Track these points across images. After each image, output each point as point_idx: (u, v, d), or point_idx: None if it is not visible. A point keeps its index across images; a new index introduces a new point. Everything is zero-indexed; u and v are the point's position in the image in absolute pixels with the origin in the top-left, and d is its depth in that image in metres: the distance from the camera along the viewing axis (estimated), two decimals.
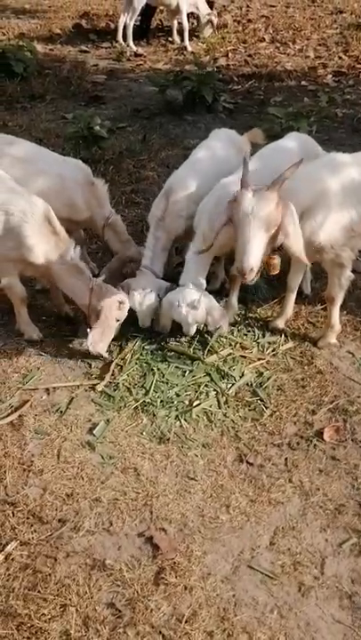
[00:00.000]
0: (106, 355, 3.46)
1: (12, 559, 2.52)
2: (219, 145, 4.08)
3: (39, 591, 2.40)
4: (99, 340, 3.40)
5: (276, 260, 3.50)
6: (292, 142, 3.93)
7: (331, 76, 8.55)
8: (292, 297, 3.78)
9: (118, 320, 3.48)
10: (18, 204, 3.34)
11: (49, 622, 2.31)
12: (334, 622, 2.36)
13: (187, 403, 3.28)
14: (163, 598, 2.40)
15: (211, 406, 3.27)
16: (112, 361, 3.52)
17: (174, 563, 2.51)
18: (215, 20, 9.93)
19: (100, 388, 3.34)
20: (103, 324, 3.41)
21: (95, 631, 2.29)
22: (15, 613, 2.33)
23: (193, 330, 3.54)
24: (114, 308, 3.43)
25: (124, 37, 9.48)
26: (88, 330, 3.43)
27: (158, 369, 3.46)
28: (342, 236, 3.31)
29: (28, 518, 2.68)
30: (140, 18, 9.71)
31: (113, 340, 3.53)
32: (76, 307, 3.73)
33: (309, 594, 2.45)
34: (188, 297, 3.44)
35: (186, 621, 2.32)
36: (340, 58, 9.26)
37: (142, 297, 3.55)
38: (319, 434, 3.13)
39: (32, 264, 3.41)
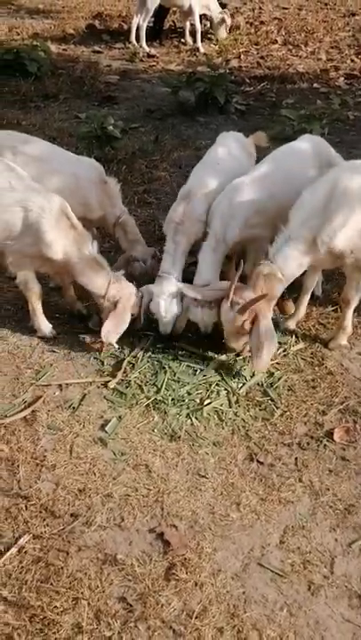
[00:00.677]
0: (116, 346, 3.50)
1: (25, 552, 2.55)
2: (233, 146, 4.11)
3: (51, 584, 2.43)
4: (113, 330, 3.44)
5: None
6: (306, 144, 3.95)
7: (343, 78, 8.56)
8: (307, 298, 3.80)
9: (133, 315, 3.52)
10: (36, 200, 3.38)
11: (61, 615, 2.33)
12: (344, 621, 2.38)
13: (198, 401, 3.30)
14: (173, 594, 2.42)
15: (222, 405, 3.29)
16: (124, 359, 3.55)
17: (185, 559, 2.53)
18: (228, 20, 9.95)
19: (112, 385, 3.37)
20: (118, 316, 3.44)
21: (106, 624, 2.32)
22: (28, 605, 2.36)
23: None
24: (132, 300, 3.48)
25: (137, 38, 9.53)
26: (100, 321, 3.53)
27: (170, 367, 3.49)
28: None
29: (40, 512, 2.71)
30: (152, 19, 9.75)
31: (125, 337, 3.56)
32: (90, 304, 3.77)
33: (319, 593, 2.47)
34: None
35: (196, 617, 2.35)
36: (352, 60, 9.27)
37: (168, 304, 3.50)
38: (329, 434, 3.14)
39: (50, 260, 3.44)
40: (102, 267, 3.50)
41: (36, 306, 3.65)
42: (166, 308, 3.49)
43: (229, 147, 4.11)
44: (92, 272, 3.48)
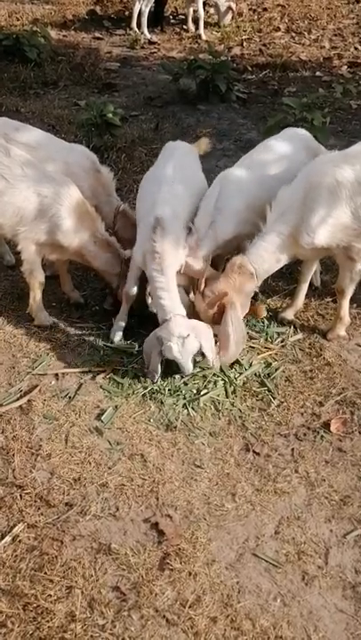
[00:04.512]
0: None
1: (20, 541, 2.55)
2: (185, 158, 3.84)
3: (45, 573, 2.43)
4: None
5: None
6: (290, 139, 3.88)
7: (346, 66, 8.46)
8: (305, 288, 3.78)
9: None
10: (50, 186, 3.39)
11: (54, 603, 2.34)
12: (337, 611, 2.38)
13: (194, 391, 3.29)
14: (167, 583, 2.42)
15: (218, 395, 3.28)
16: (123, 350, 3.53)
17: (179, 549, 2.53)
18: (235, 7, 9.84)
19: (108, 374, 3.36)
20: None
21: (100, 613, 2.32)
22: (22, 593, 2.36)
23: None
24: None
25: (139, 25, 9.42)
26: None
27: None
28: (345, 235, 3.30)
29: (35, 501, 2.71)
30: (154, 5, 9.63)
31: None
32: (86, 293, 3.75)
33: (313, 583, 2.47)
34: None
35: (190, 606, 2.35)
36: (356, 48, 9.16)
37: (180, 346, 3.16)
38: (326, 425, 3.13)
39: (62, 247, 3.46)
40: (114, 246, 3.54)
41: (38, 295, 3.64)
42: (179, 350, 3.16)
43: (181, 160, 3.74)
44: (106, 254, 3.53)
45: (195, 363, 3.29)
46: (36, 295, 3.64)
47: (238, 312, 3.31)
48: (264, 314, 3.65)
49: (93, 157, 3.96)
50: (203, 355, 3.27)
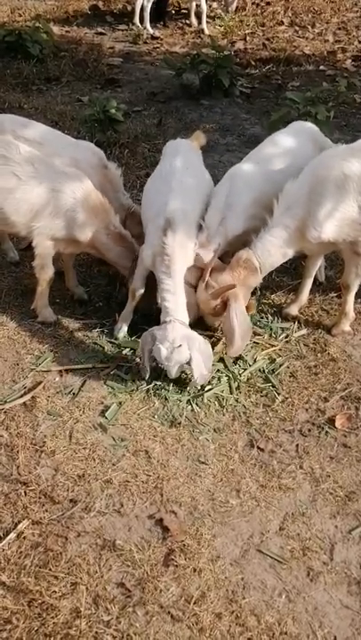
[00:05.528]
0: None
1: (24, 537, 2.55)
2: (188, 156, 3.78)
3: (50, 569, 2.43)
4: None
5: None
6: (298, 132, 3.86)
7: (350, 60, 8.40)
8: (309, 283, 3.76)
9: None
10: (64, 181, 3.40)
11: (59, 599, 2.34)
12: (342, 607, 2.37)
13: (198, 387, 3.28)
14: (172, 579, 2.42)
15: (223, 391, 3.27)
16: (127, 347, 3.53)
17: (184, 545, 2.53)
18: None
19: (112, 371, 3.35)
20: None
21: (105, 609, 2.32)
22: (26, 590, 2.37)
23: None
24: None
25: (141, 20, 9.37)
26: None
27: None
28: (352, 230, 3.28)
29: (39, 498, 2.70)
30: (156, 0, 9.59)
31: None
32: (90, 290, 3.74)
33: (318, 579, 2.46)
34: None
35: (194, 603, 2.34)
36: (360, 42, 9.10)
37: (170, 352, 3.09)
38: (331, 421, 3.12)
39: (77, 240, 3.47)
40: (127, 240, 3.55)
41: (45, 290, 3.63)
42: (167, 356, 3.09)
43: (186, 158, 3.68)
44: (119, 247, 3.54)
45: (182, 371, 3.22)
46: (42, 291, 3.63)
47: (242, 305, 3.30)
48: (253, 309, 3.66)
49: (101, 154, 3.95)
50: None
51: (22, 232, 3.54)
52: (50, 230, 3.45)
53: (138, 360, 3.31)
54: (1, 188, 3.39)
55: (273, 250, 3.32)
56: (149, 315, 3.59)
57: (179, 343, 3.08)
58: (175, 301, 3.22)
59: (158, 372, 3.29)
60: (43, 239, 3.48)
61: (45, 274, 3.58)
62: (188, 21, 9.82)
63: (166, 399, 3.21)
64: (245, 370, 3.40)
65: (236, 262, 3.33)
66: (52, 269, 3.59)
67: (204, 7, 9.27)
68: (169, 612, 2.32)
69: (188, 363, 3.12)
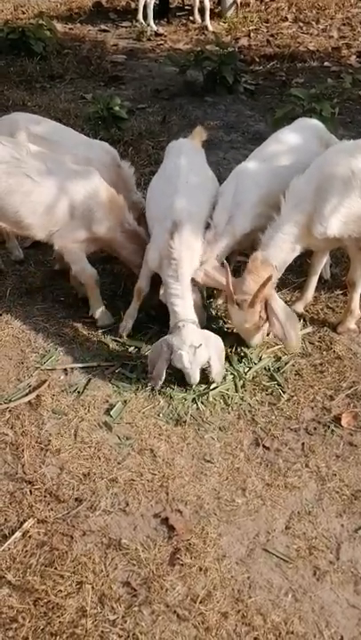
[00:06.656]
0: None
1: (30, 536, 2.55)
2: (191, 155, 3.78)
3: (56, 568, 2.43)
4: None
5: None
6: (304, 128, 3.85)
7: (355, 56, 8.35)
8: (314, 281, 3.75)
9: None
10: (78, 181, 3.39)
11: (65, 598, 2.34)
12: (349, 607, 2.36)
13: (204, 386, 3.26)
14: (178, 578, 2.42)
15: (228, 390, 3.26)
16: (131, 345, 3.52)
17: (190, 544, 2.52)
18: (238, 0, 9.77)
19: (117, 369, 3.34)
20: None
21: (110, 608, 2.32)
22: (32, 589, 2.36)
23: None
24: None
25: (145, 16, 9.35)
26: None
27: None
28: (358, 226, 3.26)
29: (45, 497, 2.70)
30: None
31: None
32: None
33: (324, 578, 2.45)
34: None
35: (200, 602, 2.34)
36: None
37: (191, 355, 3.09)
38: (337, 419, 3.11)
39: (98, 238, 3.48)
40: (142, 238, 3.54)
41: (96, 292, 3.58)
42: (190, 360, 3.09)
43: (190, 158, 3.66)
44: (134, 245, 3.54)
45: (201, 373, 3.20)
46: (93, 293, 3.57)
47: (279, 301, 3.30)
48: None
49: (114, 152, 3.94)
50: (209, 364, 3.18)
51: (41, 236, 3.47)
52: (70, 234, 3.41)
53: (149, 374, 3.23)
54: (15, 191, 3.31)
55: (285, 246, 3.30)
56: (152, 310, 3.59)
57: (198, 343, 3.08)
58: (184, 305, 3.22)
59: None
60: (66, 243, 3.44)
61: (89, 277, 3.54)
62: (191, 18, 9.79)
63: (171, 397, 3.20)
64: (251, 368, 3.38)
65: (253, 266, 3.29)
66: (92, 268, 3.55)
67: (208, 3, 9.23)
68: (175, 612, 2.32)
69: (207, 361, 3.13)
